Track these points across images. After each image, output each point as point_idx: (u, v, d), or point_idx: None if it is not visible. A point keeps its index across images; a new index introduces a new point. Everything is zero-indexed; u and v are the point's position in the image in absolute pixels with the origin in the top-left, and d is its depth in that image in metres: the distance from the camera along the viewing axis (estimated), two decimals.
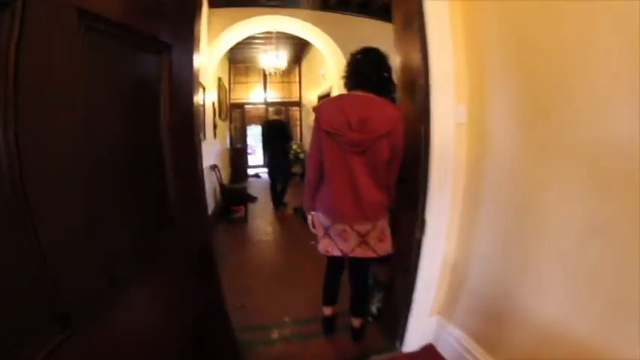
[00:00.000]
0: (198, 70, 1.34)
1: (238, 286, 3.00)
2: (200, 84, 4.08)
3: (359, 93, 1.84)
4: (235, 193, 5.54)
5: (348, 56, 1.97)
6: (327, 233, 1.94)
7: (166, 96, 1.12)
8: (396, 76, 1.99)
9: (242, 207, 5.39)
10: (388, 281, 2.33)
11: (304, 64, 9.51)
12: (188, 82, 1.26)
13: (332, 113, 1.78)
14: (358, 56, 1.89)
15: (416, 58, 1.83)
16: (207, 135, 4.69)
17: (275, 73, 6.29)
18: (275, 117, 5.99)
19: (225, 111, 7.83)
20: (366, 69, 1.85)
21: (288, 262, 3.69)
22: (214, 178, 5.28)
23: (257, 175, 10.16)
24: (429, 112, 1.77)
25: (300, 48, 8.49)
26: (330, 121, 1.76)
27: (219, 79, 6.84)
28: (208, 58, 5.25)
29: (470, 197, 1.88)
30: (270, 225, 5.18)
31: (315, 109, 1.86)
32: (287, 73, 10.08)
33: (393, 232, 1.96)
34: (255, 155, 15.31)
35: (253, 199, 6.63)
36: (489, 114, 1.71)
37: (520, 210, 1.55)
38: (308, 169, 1.99)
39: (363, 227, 1.84)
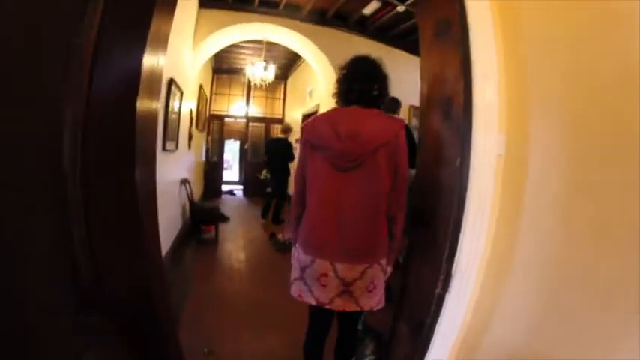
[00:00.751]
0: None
1: (205, 326, 2.53)
2: (178, 88, 3.66)
3: (350, 107, 1.54)
4: (206, 212, 5.03)
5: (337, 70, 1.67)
6: (302, 275, 1.52)
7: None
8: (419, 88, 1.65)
9: (213, 227, 4.88)
10: (388, 331, 1.91)
11: (290, 80, 9.22)
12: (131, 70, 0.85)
13: (319, 125, 1.52)
14: (344, 71, 1.62)
15: (452, 71, 1.48)
16: (180, 145, 4.22)
17: (261, 85, 5.91)
18: (281, 135, 6.07)
19: (203, 122, 7.37)
20: (354, 85, 1.55)
21: (264, 296, 3.20)
22: (184, 193, 4.77)
23: (231, 193, 9.61)
24: (470, 140, 1.41)
25: (287, 63, 8.21)
26: (316, 133, 1.50)
27: (201, 87, 6.41)
28: (192, 62, 4.83)
29: (503, 244, 1.50)
30: (242, 250, 4.67)
31: (302, 125, 1.52)
32: (271, 88, 9.74)
33: (405, 285, 1.56)
34: (231, 171, 14.79)
35: (225, 219, 6.13)
36: (534, 146, 1.34)
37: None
38: (293, 194, 1.64)
39: (349, 273, 1.43)
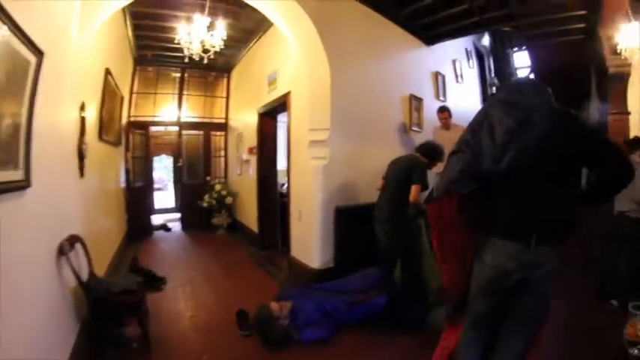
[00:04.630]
0: None
1: None
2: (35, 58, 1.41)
3: None
4: (118, 294, 2.63)
5: None
6: None
7: None
8: None
9: (135, 319, 2.64)
10: None
11: (237, 72, 7.02)
12: None
13: None
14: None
15: None
16: (45, 173, 1.98)
17: (206, 57, 3.70)
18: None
19: (116, 132, 4.98)
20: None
21: None
22: (68, 270, 2.38)
23: (165, 227, 7.12)
24: None
25: (234, 48, 6.03)
26: None
27: (108, 74, 4.06)
28: (77, 18, 2.56)
29: None
30: None
31: None
32: (211, 84, 7.49)
33: None
34: (167, 192, 11.94)
35: (158, 285, 3.90)
36: None
37: None
38: None
39: None
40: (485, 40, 9.26)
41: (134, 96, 6.72)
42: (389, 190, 3.39)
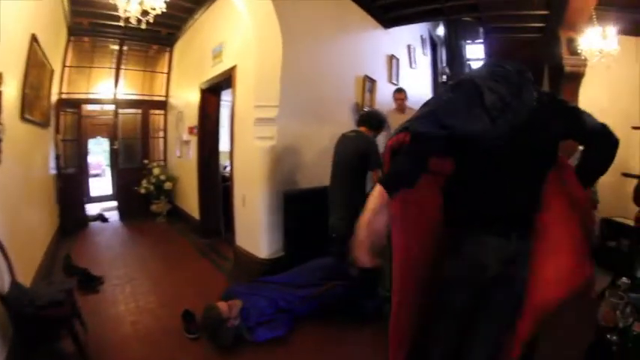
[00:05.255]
0: None
1: None
2: None
3: None
4: (41, 319, 2.10)
5: None
6: None
7: None
8: None
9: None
10: None
11: (180, 46, 6.41)
12: None
13: None
14: None
15: None
16: None
17: (145, 21, 3.19)
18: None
19: (45, 110, 4.32)
20: None
21: None
22: None
23: (102, 218, 6.41)
24: None
25: (179, 18, 5.49)
26: None
27: (33, 40, 3.40)
28: None
29: None
30: None
31: None
32: (152, 58, 6.85)
33: None
34: (104, 178, 10.98)
35: (92, 285, 3.44)
36: None
37: None
38: None
39: None
40: (440, 30, 9.46)
41: (67, 70, 5.91)
42: (340, 175, 3.11)
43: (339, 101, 4.55)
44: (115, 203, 6.91)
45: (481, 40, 9.37)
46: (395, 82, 6.04)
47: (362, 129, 3.18)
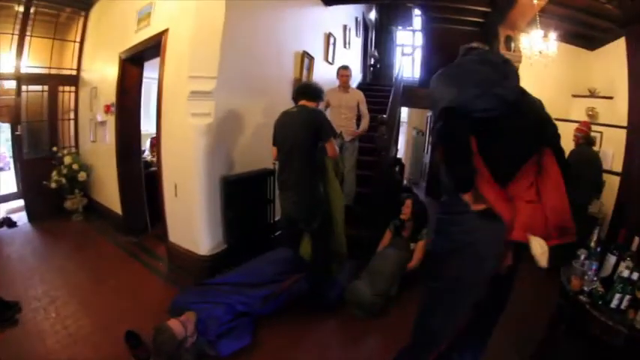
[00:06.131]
0: None
1: None
2: None
3: None
4: None
5: None
6: None
7: None
8: None
9: None
10: None
11: (97, 10, 5.47)
12: None
13: None
14: None
15: None
16: None
17: None
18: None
19: None
20: None
21: None
22: None
23: (9, 222, 5.16)
24: None
25: None
26: None
27: None
28: None
29: None
30: None
31: None
32: (63, 25, 5.78)
33: None
34: (9, 172, 9.20)
35: (11, 315, 2.70)
36: None
37: None
38: None
39: None
40: (372, 14, 9.72)
41: None
42: (289, 154, 2.72)
43: (278, 77, 4.17)
44: (22, 202, 5.79)
45: (411, 28, 10.25)
46: (330, 60, 5.92)
47: (302, 102, 2.85)
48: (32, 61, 5.58)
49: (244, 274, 2.71)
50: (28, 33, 5.43)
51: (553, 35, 4.55)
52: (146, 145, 5.66)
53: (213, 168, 3.08)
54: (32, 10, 5.37)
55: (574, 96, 5.43)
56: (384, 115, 4.21)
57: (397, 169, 5.42)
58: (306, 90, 2.89)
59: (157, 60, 3.61)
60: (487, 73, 1.45)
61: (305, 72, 4.75)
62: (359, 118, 4.49)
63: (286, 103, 3.67)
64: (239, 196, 3.20)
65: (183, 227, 3.31)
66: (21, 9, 5.28)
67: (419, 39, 9.71)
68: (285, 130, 2.75)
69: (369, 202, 4.20)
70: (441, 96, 1.45)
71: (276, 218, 3.75)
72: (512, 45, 5.01)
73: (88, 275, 3.50)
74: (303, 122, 2.67)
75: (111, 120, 4.46)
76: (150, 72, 4.48)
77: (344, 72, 4.39)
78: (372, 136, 4.27)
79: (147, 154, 5.52)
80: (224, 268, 2.93)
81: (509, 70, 1.50)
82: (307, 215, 2.71)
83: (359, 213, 4.12)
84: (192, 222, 3.14)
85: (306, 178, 2.67)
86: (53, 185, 5.09)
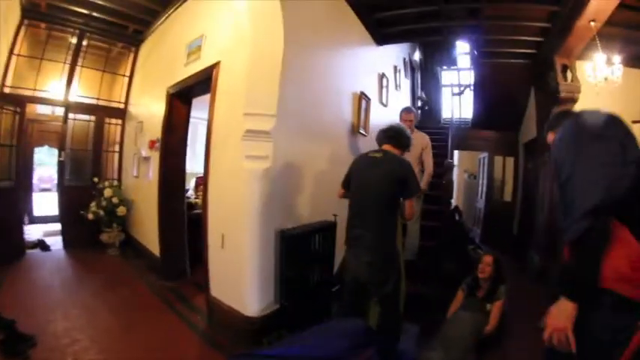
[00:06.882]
0: None
1: None
2: None
3: None
4: None
5: None
6: None
7: None
8: None
9: None
10: None
11: (148, 45, 5.46)
12: None
13: None
14: None
15: None
16: None
17: None
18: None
19: None
20: None
21: None
22: None
23: (42, 246, 5.16)
24: None
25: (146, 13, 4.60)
26: None
27: None
28: None
29: None
30: None
31: None
32: (114, 59, 5.85)
33: None
34: (53, 194, 9.38)
35: (23, 348, 2.44)
36: None
37: None
38: None
39: None
40: (417, 55, 9.39)
41: (15, 59, 4.86)
42: (368, 206, 2.35)
43: (337, 119, 3.89)
44: (58, 227, 5.71)
45: (456, 67, 9.56)
46: (384, 102, 5.58)
47: (387, 147, 2.48)
48: (82, 91, 5.63)
49: (307, 347, 2.23)
50: (79, 63, 5.51)
51: (617, 58, 4.16)
52: (190, 184, 5.50)
53: (269, 219, 2.72)
54: (85, 42, 5.47)
55: (634, 122, 4.99)
56: (451, 160, 3.78)
57: (457, 217, 4.89)
58: (398, 135, 2.52)
59: (204, 99, 3.43)
60: (614, 152, 1.24)
61: (362, 115, 4.43)
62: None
63: (342, 149, 3.33)
64: (298, 252, 2.83)
65: (229, 282, 2.93)
66: (74, 40, 5.37)
67: (464, 78, 9.27)
68: (365, 177, 2.39)
69: (433, 256, 3.72)
70: (583, 188, 1.24)
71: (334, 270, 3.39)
72: (570, 75, 4.75)
73: (116, 318, 3.18)
74: (390, 172, 2.31)
75: (155, 156, 4.26)
76: (197, 112, 4.32)
77: (407, 115, 3.95)
78: (434, 183, 3.85)
79: (191, 194, 5.35)
80: (274, 332, 2.56)
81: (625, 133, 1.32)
82: (382, 278, 2.31)
83: (423, 268, 3.65)
84: (241, 279, 2.75)
85: (385, 237, 2.30)
86: (90, 216, 4.97)
